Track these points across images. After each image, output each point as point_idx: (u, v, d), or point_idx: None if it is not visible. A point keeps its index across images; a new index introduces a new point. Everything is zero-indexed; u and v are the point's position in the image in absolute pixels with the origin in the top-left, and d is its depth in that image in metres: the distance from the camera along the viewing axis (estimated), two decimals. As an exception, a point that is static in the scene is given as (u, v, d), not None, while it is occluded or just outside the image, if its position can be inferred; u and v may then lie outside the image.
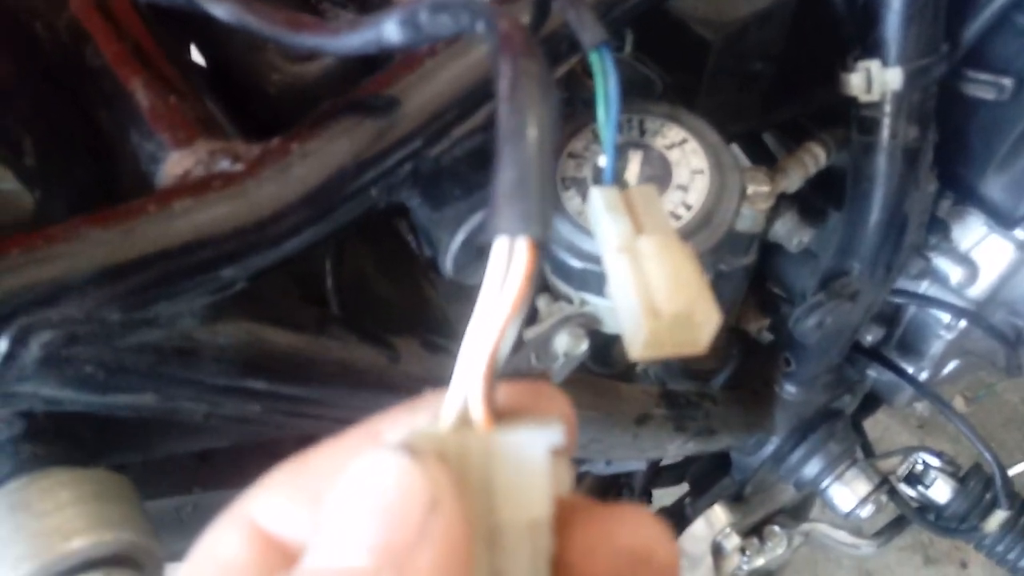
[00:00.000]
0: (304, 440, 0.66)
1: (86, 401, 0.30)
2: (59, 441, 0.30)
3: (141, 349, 0.30)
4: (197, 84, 0.38)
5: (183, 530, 0.57)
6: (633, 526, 0.20)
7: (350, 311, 0.43)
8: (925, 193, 0.58)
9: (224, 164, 0.31)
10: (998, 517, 0.79)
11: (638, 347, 0.27)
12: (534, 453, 0.19)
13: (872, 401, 0.96)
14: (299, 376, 0.36)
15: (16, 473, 0.28)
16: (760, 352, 0.75)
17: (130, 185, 0.37)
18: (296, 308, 0.36)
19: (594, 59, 0.32)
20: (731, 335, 0.74)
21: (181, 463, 0.55)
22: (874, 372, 0.90)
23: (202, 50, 0.50)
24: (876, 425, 1.49)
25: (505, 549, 0.19)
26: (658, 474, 0.87)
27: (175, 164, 0.32)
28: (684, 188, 0.40)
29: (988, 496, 0.85)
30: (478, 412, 0.19)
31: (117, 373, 0.29)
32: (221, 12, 0.30)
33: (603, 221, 0.29)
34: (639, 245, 0.27)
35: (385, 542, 0.16)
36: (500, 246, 0.19)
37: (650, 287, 0.26)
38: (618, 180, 0.32)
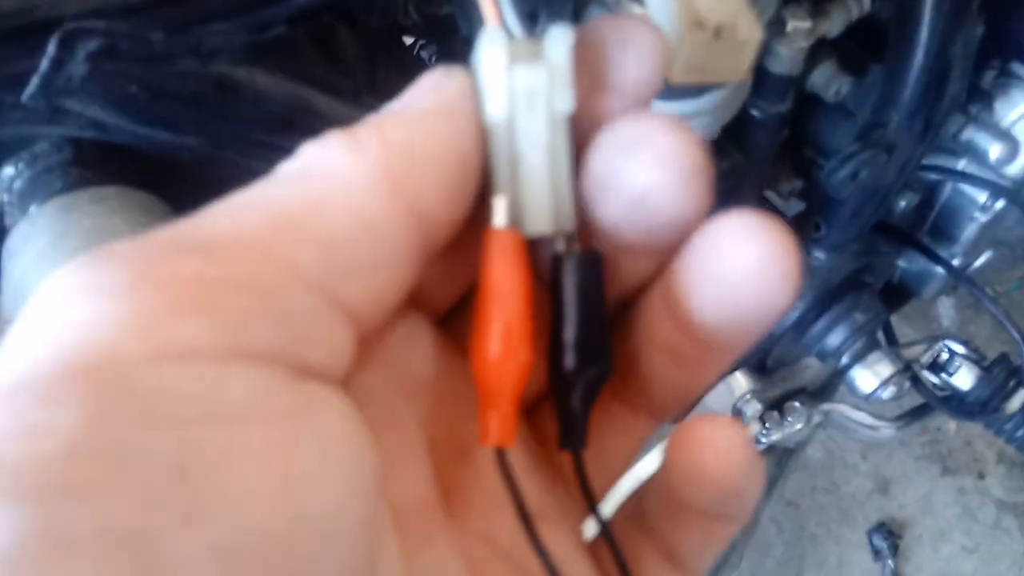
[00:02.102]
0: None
1: (129, 131, 0.31)
2: (105, 169, 0.31)
3: (182, 76, 0.30)
4: None
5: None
6: (639, 141, 0.19)
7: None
8: (971, 38, 0.56)
9: (265, -97, 0.31)
10: (1021, 397, 0.79)
11: (679, 67, 0.27)
12: (555, 50, 0.19)
13: (901, 294, 0.96)
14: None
15: (66, 190, 0.29)
16: (790, 223, 0.75)
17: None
18: (332, 75, 0.36)
19: None
20: (761, 203, 0.73)
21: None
22: (904, 262, 0.89)
23: None
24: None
25: (523, 131, 0.19)
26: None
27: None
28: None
29: (1013, 383, 0.85)
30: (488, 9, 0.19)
31: (159, 98, 0.30)
32: None
33: (645, -52, 0.29)
34: (682, -37, 0.27)
35: (406, 97, 0.19)
36: None
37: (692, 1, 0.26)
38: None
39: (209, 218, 0.16)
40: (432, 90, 0.18)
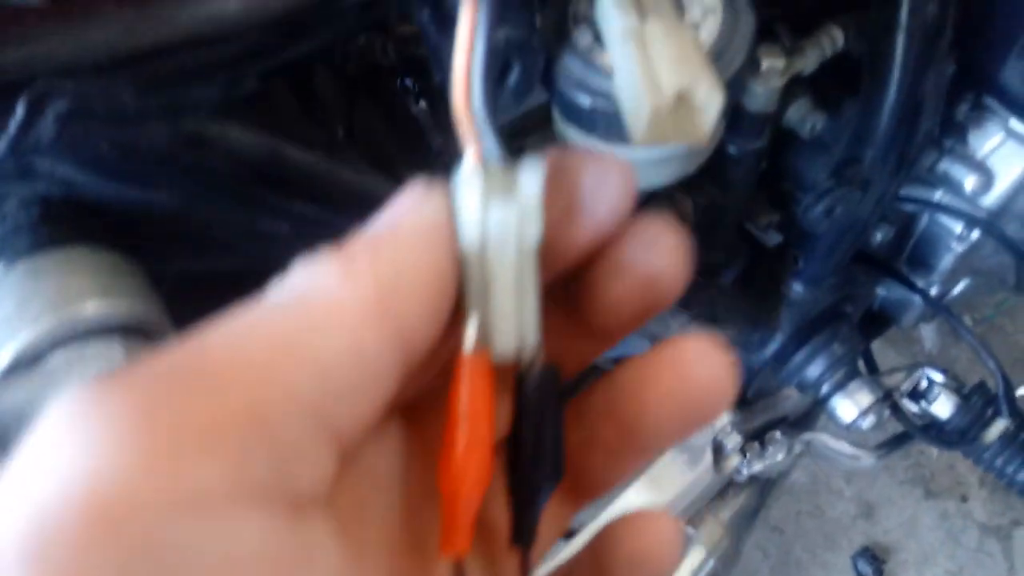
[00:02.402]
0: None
1: (100, 188, 0.31)
2: (74, 228, 0.31)
3: (154, 133, 0.30)
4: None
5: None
6: (655, 238, 0.22)
7: (357, 147, 0.43)
8: (942, 76, 0.57)
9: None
10: (999, 426, 0.80)
11: (641, 129, 0.27)
12: (526, 187, 0.20)
13: (880, 322, 0.97)
14: (307, 193, 0.36)
15: (34, 249, 0.29)
16: (768, 254, 0.76)
17: None
18: (308, 127, 0.37)
19: None
20: (740, 235, 0.74)
21: (182, 321, 0.57)
22: (883, 290, 0.90)
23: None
24: (878, 360, 1.50)
25: (495, 260, 0.21)
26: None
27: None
28: (695, 26, 0.39)
29: (990, 412, 0.85)
30: (470, 145, 0.21)
31: (130, 156, 0.30)
32: None
33: (610, 12, 0.29)
34: (645, 30, 0.28)
35: (390, 215, 0.20)
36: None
37: (654, 67, 0.27)
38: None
39: (208, 344, 0.17)
40: (415, 210, 0.20)
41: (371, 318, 0.18)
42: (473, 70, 0.20)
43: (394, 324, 0.18)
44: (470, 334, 0.21)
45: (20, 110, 0.27)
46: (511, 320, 0.21)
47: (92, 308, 0.28)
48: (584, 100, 0.39)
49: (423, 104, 0.51)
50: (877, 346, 0.99)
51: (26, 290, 0.28)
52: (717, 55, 0.39)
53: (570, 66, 0.39)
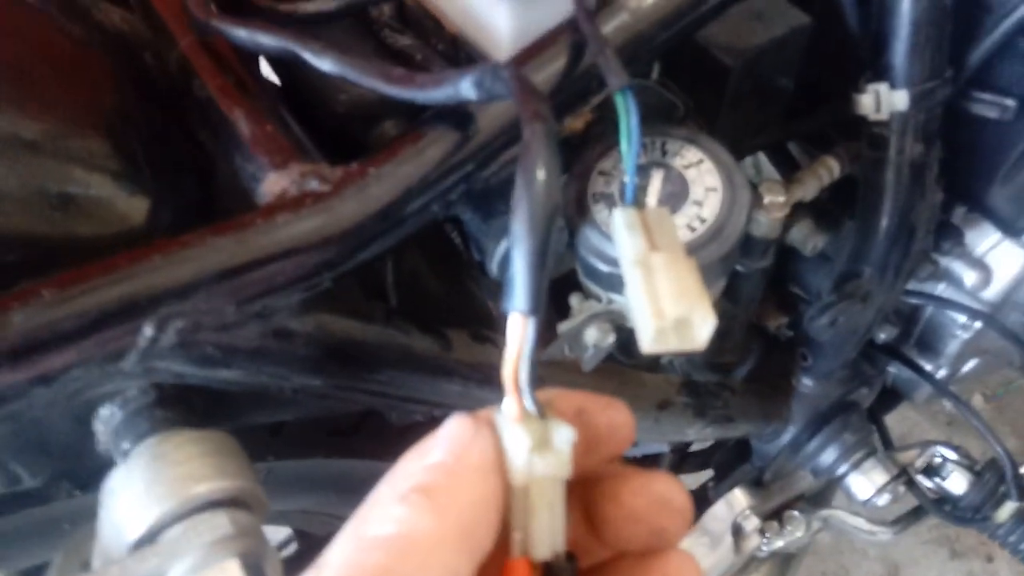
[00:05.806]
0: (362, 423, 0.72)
1: (204, 376, 0.37)
2: (181, 407, 0.38)
3: (249, 335, 0.37)
4: (282, 112, 0.46)
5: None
6: (661, 481, 0.30)
7: (406, 305, 0.50)
8: (931, 204, 0.62)
9: (313, 184, 0.38)
10: (1008, 508, 0.83)
11: (647, 342, 0.33)
12: (560, 444, 0.28)
13: (894, 397, 1.01)
14: (369, 360, 0.43)
15: (153, 431, 0.36)
16: (779, 348, 0.81)
17: (229, 200, 0.45)
18: (366, 304, 0.43)
19: (618, 99, 0.38)
20: (751, 331, 0.79)
21: (256, 435, 0.63)
22: (895, 369, 0.94)
23: (275, 68, 0.57)
24: (904, 421, 1.52)
25: (535, 494, 0.28)
26: (684, 459, 0.93)
27: (273, 183, 0.39)
28: (699, 203, 0.45)
29: (1002, 489, 0.89)
30: (514, 409, 0.28)
31: (230, 353, 0.37)
32: (326, 66, 0.37)
33: (623, 237, 0.35)
34: (651, 260, 0.34)
35: (451, 447, 0.27)
36: (511, 316, 0.28)
37: (658, 294, 0.33)
38: (638, 201, 0.38)
39: None
40: (471, 446, 0.27)
41: (461, 548, 0.24)
42: (522, 363, 0.27)
43: (473, 548, 0.25)
44: (516, 544, 0.28)
45: (148, 331, 0.34)
46: (547, 534, 0.28)
47: (204, 488, 0.34)
48: (603, 267, 0.45)
49: (461, 241, 0.57)
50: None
51: (151, 474, 0.34)
52: (718, 230, 0.45)
53: (590, 237, 0.46)
